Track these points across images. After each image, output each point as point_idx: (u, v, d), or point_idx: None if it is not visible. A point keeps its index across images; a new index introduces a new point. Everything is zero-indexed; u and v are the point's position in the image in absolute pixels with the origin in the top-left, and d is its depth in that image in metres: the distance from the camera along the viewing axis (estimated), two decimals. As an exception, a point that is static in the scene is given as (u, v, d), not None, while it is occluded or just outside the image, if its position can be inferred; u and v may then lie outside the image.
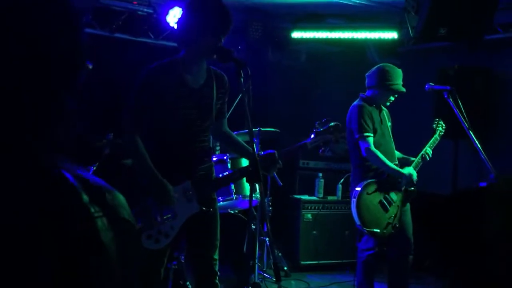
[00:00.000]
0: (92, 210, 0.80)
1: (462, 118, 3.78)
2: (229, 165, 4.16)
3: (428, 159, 4.14)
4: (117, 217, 0.84)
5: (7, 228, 0.74)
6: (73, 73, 0.85)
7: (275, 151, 2.81)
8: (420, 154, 4.13)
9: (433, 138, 4.27)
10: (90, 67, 3.48)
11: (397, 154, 4.28)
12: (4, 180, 0.77)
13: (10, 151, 0.79)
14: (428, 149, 4.15)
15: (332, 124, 2.89)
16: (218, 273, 2.85)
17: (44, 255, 0.76)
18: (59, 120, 0.83)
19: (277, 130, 4.71)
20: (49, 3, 0.83)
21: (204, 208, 2.73)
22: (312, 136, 2.92)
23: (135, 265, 0.88)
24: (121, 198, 0.87)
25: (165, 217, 2.64)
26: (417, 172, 4.09)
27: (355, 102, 4.14)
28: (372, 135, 3.99)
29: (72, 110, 0.84)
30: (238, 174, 2.96)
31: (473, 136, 3.70)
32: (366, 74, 4.19)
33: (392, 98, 4.13)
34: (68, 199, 0.79)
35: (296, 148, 2.85)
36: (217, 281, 2.81)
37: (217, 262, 2.83)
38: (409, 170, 4.01)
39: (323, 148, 2.95)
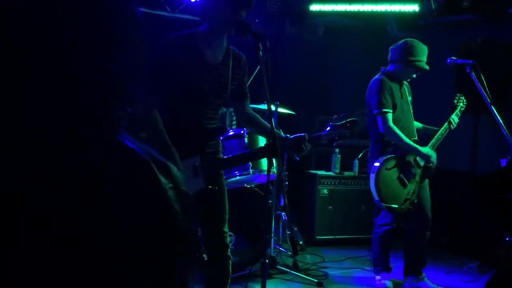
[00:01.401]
0: (164, 182, 0.83)
1: (484, 93, 3.70)
2: (246, 140, 4.15)
3: (454, 126, 4.08)
4: (180, 190, 0.87)
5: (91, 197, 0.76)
6: (138, 62, 0.86)
7: (305, 134, 2.80)
8: (446, 122, 4.07)
9: (454, 113, 4.20)
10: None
11: (419, 125, 4.24)
12: (91, 154, 0.79)
13: (93, 127, 0.81)
14: (454, 117, 4.10)
15: (349, 119, 2.86)
16: (230, 245, 2.88)
17: (127, 225, 0.78)
18: (125, 101, 0.86)
19: (293, 113, 4.67)
20: None
21: (210, 186, 2.73)
22: (328, 128, 2.90)
23: (193, 236, 0.91)
24: (177, 171, 0.89)
25: None
26: (436, 148, 4.04)
27: (375, 77, 4.08)
28: (391, 111, 3.93)
29: (133, 91, 0.86)
30: (252, 154, 2.96)
31: (495, 111, 3.63)
32: (390, 47, 4.11)
33: (414, 76, 4.05)
34: (144, 172, 0.82)
35: (310, 139, 2.82)
36: (229, 253, 2.85)
37: (227, 235, 2.86)
38: (427, 150, 3.97)
39: (337, 142, 2.93)
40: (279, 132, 2.95)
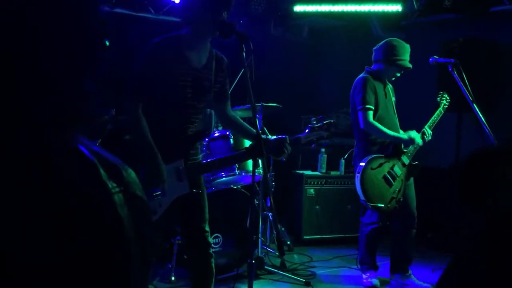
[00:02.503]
0: (110, 186, 0.82)
1: (466, 91, 3.74)
2: (231, 141, 4.15)
3: (427, 139, 4.12)
4: (132, 193, 0.86)
5: (31, 198, 0.75)
6: (91, 53, 0.84)
7: (286, 136, 2.80)
8: (420, 133, 4.12)
9: (437, 111, 4.25)
10: (107, 43, 3.38)
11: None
12: (32, 155, 0.77)
13: (37, 129, 0.79)
14: (427, 129, 4.14)
15: (326, 121, 2.89)
16: (212, 244, 2.90)
17: (65, 228, 0.76)
18: (80, 100, 0.83)
19: (279, 105, 4.68)
20: None
21: (194, 190, 2.74)
22: (307, 130, 2.93)
23: (148, 240, 0.89)
24: (134, 175, 0.89)
25: (154, 194, 2.64)
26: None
27: (360, 75, 4.11)
28: (373, 108, 3.98)
29: (90, 89, 0.84)
30: (236, 157, 2.97)
31: (477, 109, 3.67)
32: (374, 48, 4.15)
33: (398, 74, 4.10)
34: (88, 176, 0.81)
35: (290, 141, 2.83)
36: (211, 251, 2.86)
37: (209, 233, 2.87)
38: (411, 134, 4.01)
39: (316, 144, 2.97)
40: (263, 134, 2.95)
